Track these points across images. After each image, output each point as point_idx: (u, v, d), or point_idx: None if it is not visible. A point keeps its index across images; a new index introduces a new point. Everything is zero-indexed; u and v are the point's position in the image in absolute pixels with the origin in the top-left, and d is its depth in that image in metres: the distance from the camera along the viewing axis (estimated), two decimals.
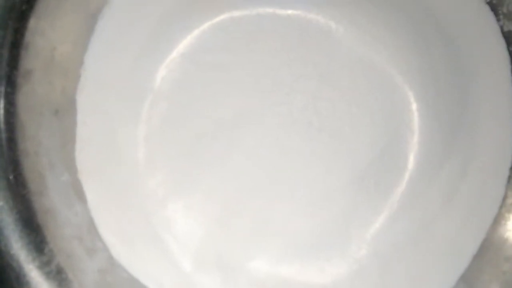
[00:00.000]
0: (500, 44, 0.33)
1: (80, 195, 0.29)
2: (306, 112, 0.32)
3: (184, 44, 0.32)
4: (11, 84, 0.26)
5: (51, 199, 0.27)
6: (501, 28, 0.33)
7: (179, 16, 0.32)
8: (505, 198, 0.33)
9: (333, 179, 0.32)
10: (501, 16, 0.33)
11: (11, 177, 0.24)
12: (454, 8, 0.33)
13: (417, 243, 0.32)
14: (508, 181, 0.33)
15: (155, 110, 0.32)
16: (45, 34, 0.28)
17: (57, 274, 0.26)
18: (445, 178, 0.33)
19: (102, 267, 0.29)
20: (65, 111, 0.29)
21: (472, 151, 0.33)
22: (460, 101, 0.33)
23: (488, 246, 0.32)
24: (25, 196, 0.25)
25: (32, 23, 0.26)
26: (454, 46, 0.33)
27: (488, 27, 0.33)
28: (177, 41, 0.32)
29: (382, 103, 0.33)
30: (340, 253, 0.32)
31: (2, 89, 0.26)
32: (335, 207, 0.32)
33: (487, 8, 0.33)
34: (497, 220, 0.33)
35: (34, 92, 0.27)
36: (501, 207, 0.33)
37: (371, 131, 0.32)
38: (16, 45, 0.26)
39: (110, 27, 0.32)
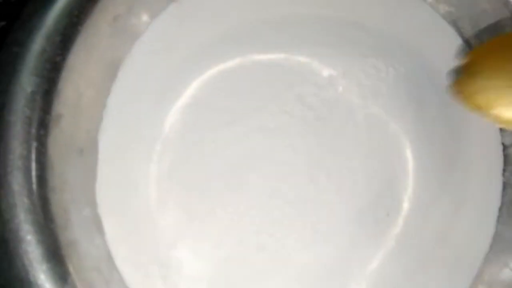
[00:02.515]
0: None
1: (99, 228, 0.31)
2: (308, 154, 0.34)
3: (194, 88, 0.34)
4: (44, 127, 0.27)
5: (74, 232, 0.28)
6: None
7: (192, 62, 0.34)
8: (495, 237, 0.34)
9: (334, 219, 0.33)
10: None
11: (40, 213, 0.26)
12: (443, 59, 0.35)
13: (414, 280, 0.34)
14: (498, 221, 0.34)
15: (164, 152, 0.34)
16: (75, 82, 0.30)
17: None
18: (439, 216, 0.34)
19: None
20: (88, 151, 0.31)
21: (463, 192, 0.34)
22: (451, 146, 0.35)
23: (480, 284, 0.34)
24: (52, 229, 0.27)
25: (64, 73, 0.28)
26: (444, 96, 0.34)
27: None
28: (187, 86, 0.34)
29: (378, 146, 0.34)
30: (340, 285, 0.33)
31: (35, 131, 0.27)
32: (336, 243, 0.34)
33: None
34: (488, 258, 0.34)
35: (62, 133, 0.29)
36: (491, 246, 0.34)
37: (368, 173, 0.34)
38: (50, 93, 0.28)
39: (130, 74, 0.34)
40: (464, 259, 0.34)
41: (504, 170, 0.35)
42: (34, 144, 0.27)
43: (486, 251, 0.34)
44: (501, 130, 0.35)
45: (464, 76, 0.32)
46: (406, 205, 0.34)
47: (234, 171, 0.34)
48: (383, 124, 0.34)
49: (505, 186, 0.34)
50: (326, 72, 0.35)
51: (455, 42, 0.35)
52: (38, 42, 0.28)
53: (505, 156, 0.35)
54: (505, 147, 0.35)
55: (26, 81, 0.27)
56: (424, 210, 0.34)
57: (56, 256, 0.26)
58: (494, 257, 0.34)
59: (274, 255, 0.33)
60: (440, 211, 0.34)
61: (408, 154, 0.34)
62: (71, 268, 0.27)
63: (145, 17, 0.34)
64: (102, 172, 0.32)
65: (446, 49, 0.34)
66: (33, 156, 0.27)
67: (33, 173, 0.27)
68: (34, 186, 0.27)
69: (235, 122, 0.34)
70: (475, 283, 0.34)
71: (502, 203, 0.34)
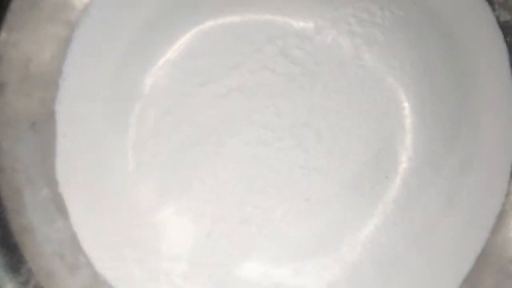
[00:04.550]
0: (497, 34, 0.32)
1: (61, 210, 0.29)
2: (295, 114, 0.32)
3: (170, 51, 0.32)
4: None
5: (29, 216, 0.26)
6: (497, 18, 0.32)
7: (163, 23, 0.32)
8: (508, 194, 0.32)
9: (326, 183, 0.32)
10: (496, 6, 0.32)
11: None
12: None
13: (417, 246, 0.32)
14: (511, 178, 0.32)
15: (144, 117, 0.32)
16: (19, 46, 0.27)
17: None
18: (445, 177, 0.32)
19: (86, 285, 0.28)
20: (42, 124, 0.29)
21: (472, 147, 0.32)
22: (458, 97, 0.32)
23: (492, 247, 0.32)
24: (2, 214, 0.25)
25: (3, 35, 0.26)
26: (449, 39, 0.32)
27: (484, 17, 0.32)
28: (162, 48, 0.32)
29: (373, 103, 0.32)
30: (335, 257, 0.32)
31: None
32: (329, 212, 0.32)
33: None
34: (500, 218, 0.32)
35: (8, 105, 0.27)
36: (504, 204, 0.32)
37: (364, 133, 0.32)
38: None
39: (89, 35, 0.31)
40: (474, 222, 0.32)
41: None
42: None
43: (497, 212, 0.32)
44: None
45: None
46: (407, 166, 0.32)
47: (210, 138, 0.32)
48: (379, 77, 0.32)
49: None
50: (311, 21, 0.32)
51: None
52: None
53: None
54: None
55: None
56: (428, 170, 0.32)
57: (6, 243, 0.24)
58: (507, 217, 0.32)
59: (260, 228, 0.32)
60: (445, 172, 0.32)
61: (407, 109, 0.32)
62: (26, 256, 0.24)
63: None
64: (62, 147, 0.30)
65: None
66: None
67: None
68: None
69: (210, 82, 0.32)
70: (486, 248, 0.32)
71: None
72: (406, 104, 0.32)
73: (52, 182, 0.29)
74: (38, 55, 0.29)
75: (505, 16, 0.32)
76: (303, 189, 0.32)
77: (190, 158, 0.32)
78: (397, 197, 0.32)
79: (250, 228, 0.32)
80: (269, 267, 0.32)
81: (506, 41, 0.32)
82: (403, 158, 0.32)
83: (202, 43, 0.32)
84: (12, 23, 0.26)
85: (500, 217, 0.32)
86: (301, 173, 0.32)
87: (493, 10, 0.32)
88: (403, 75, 0.32)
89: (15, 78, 0.27)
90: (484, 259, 0.31)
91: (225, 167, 0.32)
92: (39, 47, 0.28)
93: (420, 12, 0.32)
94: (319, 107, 0.32)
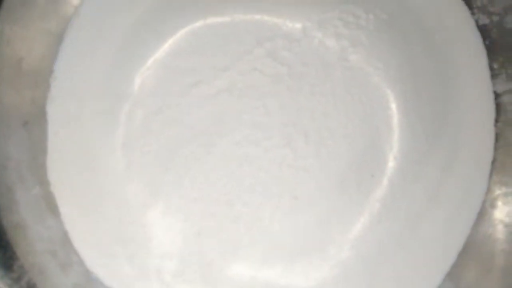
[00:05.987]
0: (476, 37, 0.33)
1: (52, 208, 0.29)
2: (283, 115, 0.32)
3: (159, 51, 0.32)
4: None
5: (21, 214, 0.26)
6: (476, 22, 0.33)
7: (153, 23, 0.32)
8: (488, 192, 0.33)
9: (313, 182, 0.32)
10: (475, 10, 0.33)
11: None
12: (429, 2, 0.33)
13: (402, 243, 0.32)
14: (490, 175, 0.33)
15: (133, 117, 0.32)
16: (11, 44, 0.27)
17: None
18: (429, 175, 0.32)
19: (78, 282, 0.28)
20: (34, 122, 0.29)
21: (455, 146, 0.33)
22: (441, 97, 0.33)
23: (473, 243, 0.32)
24: None
25: None
26: (431, 41, 0.33)
27: (463, 21, 0.33)
28: (152, 48, 0.32)
29: (359, 103, 0.32)
30: (323, 255, 0.32)
31: None
32: (316, 210, 0.32)
33: (461, 2, 0.33)
34: (481, 215, 0.32)
35: (0, 104, 0.26)
36: (484, 202, 0.33)
37: (350, 133, 0.32)
38: None
39: (80, 35, 0.31)
40: (456, 218, 0.33)
41: (496, 121, 0.33)
42: None
43: (478, 208, 0.33)
44: (493, 77, 0.33)
45: None
46: (392, 165, 0.32)
47: (200, 137, 0.32)
48: (364, 77, 0.32)
49: (497, 137, 0.33)
50: (299, 23, 0.32)
51: None
52: None
53: (497, 105, 0.33)
54: (497, 95, 0.33)
55: None
56: (412, 168, 0.32)
57: None
58: (487, 214, 0.32)
59: (249, 226, 0.32)
60: (430, 169, 0.32)
61: (393, 109, 0.32)
62: (18, 253, 0.24)
63: None
64: (53, 145, 0.30)
65: None
66: None
67: None
68: None
69: (200, 83, 0.32)
70: (468, 243, 0.32)
71: (495, 157, 0.33)
72: (391, 105, 0.32)
73: (43, 181, 0.29)
74: (30, 54, 0.28)
75: (483, 20, 0.32)
76: (291, 187, 0.32)
77: (180, 157, 0.32)
78: (383, 196, 0.32)
79: (239, 226, 0.32)
80: (258, 265, 0.32)
81: (485, 44, 0.33)
82: (389, 157, 0.32)
83: (191, 44, 0.32)
84: (5, 20, 0.26)
85: (481, 214, 0.32)
86: (289, 172, 0.32)
87: (473, 14, 0.33)
88: (388, 76, 0.32)
89: (7, 76, 0.27)
90: (466, 254, 0.32)
91: (215, 166, 0.32)
92: (31, 46, 0.28)
93: (403, 15, 0.33)
94: (306, 107, 0.32)
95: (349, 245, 0.32)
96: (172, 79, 0.32)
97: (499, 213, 0.32)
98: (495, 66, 0.33)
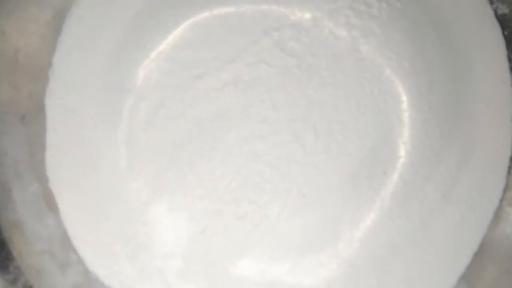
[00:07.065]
0: (494, 27, 0.32)
1: (51, 206, 0.28)
2: (292, 108, 0.31)
3: (163, 43, 0.32)
4: None
5: (17, 212, 0.25)
6: (495, 11, 0.32)
7: (156, 14, 0.32)
8: (505, 190, 0.32)
9: (322, 179, 0.31)
10: None
11: None
12: None
13: (414, 242, 0.31)
14: (509, 172, 0.32)
15: (136, 111, 0.31)
16: (6, 35, 0.26)
17: None
18: (442, 172, 0.32)
19: (77, 283, 0.28)
20: (32, 117, 0.28)
21: (470, 142, 0.32)
22: (456, 90, 0.32)
23: (489, 243, 0.31)
24: None
25: None
26: (447, 32, 0.32)
27: (481, 10, 0.32)
28: (155, 40, 0.32)
29: (371, 96, 0.31)
30: (332, 253, 0.31)
31: None
32: (325, 208, 0.31)
33: None
34: (498, 214, 0.32)
35: None
36: (501, 200, 0.32)
37: (361, 127, 0.31)
38: None
39: (79, 26, 0.30)
40: (471, 217, 0.32)
41: None
42: None
43: (495, 207, 0.32)
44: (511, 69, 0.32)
45: None
46: (403, 161, 0.32)
47: (205, 132, 0.31)
48: (376, 70, 0.32)
49: None
50: (308, 12, 0.31)
51: None
52: None
53: None
54: None
55: None
56: (425, 165, 0.32)
57: None
58: (504, 213, 0.32)
59: (256, 224, 0.31)
60: (444, 165, 0.32)
61: (405, 102, 0.32)
62: (14, 253, 0.23)
63: None
64: (52, 141, 0.29)
65: None
66: None
67: None
68: None
69: (205, 76, 0.31)
70: (484, 243, 0.31)
71: None
72: (404, 98, 0.31)
73: (41, 177, 0.28)
74: (27, 46, 0.28)
75: (503, 9, 0.32)
76: (300, 184, 0.31)
77: (184, 153, 0.31)
78: (395, 193, 0.31)
79: (245, 224, 0.31)
80: (265, 264, 0.31)
81: (504, 35, 0.32)
82: (401, 153, 0.31)
83: (196, 35, 0.31)
84: None
85: (498, 213, 0.32)
86: (298, 169, 0.31)
87: (491, 3, 0.32)
88: (400, 67, 0.31)
89: (4, 69, 0.26)
90: (482, 255, 0.31)
91: (220, 162, 0.31)
92: (28, 37, 0.28)
93: (417, 4, 0.32)
94: (316, 101, 0.31)
95: (359, 243, 0.31)
96: (176, 71, 0.31)
97: None
98: None
